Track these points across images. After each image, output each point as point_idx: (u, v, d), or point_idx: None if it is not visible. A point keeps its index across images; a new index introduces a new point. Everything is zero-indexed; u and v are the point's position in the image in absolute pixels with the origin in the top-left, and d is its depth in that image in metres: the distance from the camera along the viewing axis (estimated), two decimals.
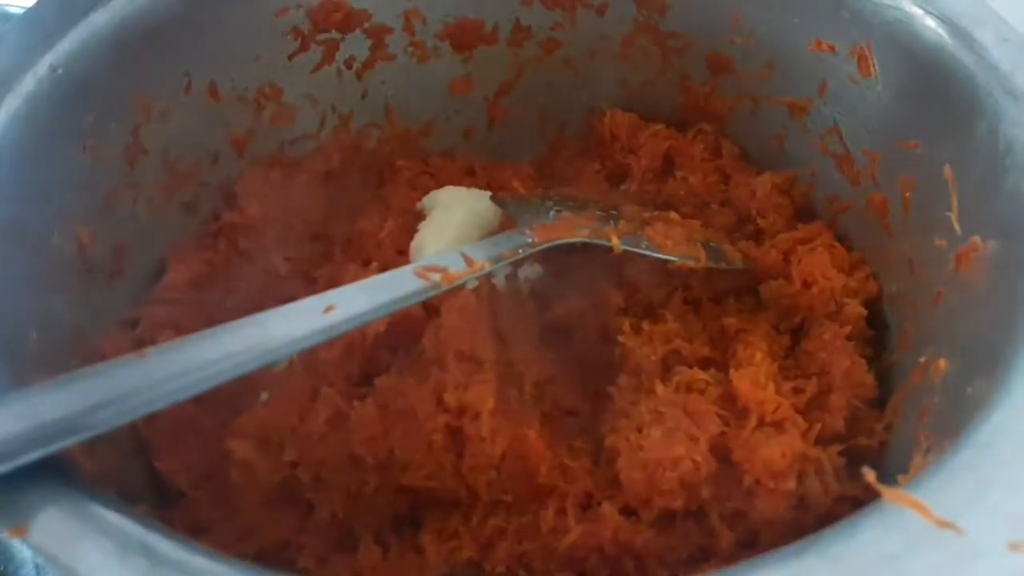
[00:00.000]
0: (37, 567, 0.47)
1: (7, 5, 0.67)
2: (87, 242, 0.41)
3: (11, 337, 0.35)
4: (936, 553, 0.25)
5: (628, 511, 0.38)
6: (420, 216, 0.50)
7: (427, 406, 0.38)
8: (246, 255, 0.49)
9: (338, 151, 0.54)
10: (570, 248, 0.45)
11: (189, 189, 0.49)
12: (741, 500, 0.38)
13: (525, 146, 0.58)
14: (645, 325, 0.45)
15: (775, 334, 0.46)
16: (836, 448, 0.39)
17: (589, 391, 0.44)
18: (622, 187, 0.55)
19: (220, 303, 0.47)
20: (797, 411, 0.40)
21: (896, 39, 0.44)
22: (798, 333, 0.46)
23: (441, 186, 0.52)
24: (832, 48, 0.47)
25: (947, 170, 0.39)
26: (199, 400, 0.33)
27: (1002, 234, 0.36)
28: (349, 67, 0.53)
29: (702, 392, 0.41)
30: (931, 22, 0.42)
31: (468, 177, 0.55)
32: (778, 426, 0.39)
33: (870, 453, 0.40)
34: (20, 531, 0.26)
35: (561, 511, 0.38)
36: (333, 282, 0.44)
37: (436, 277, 0.39)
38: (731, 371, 0.41)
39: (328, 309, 0.35)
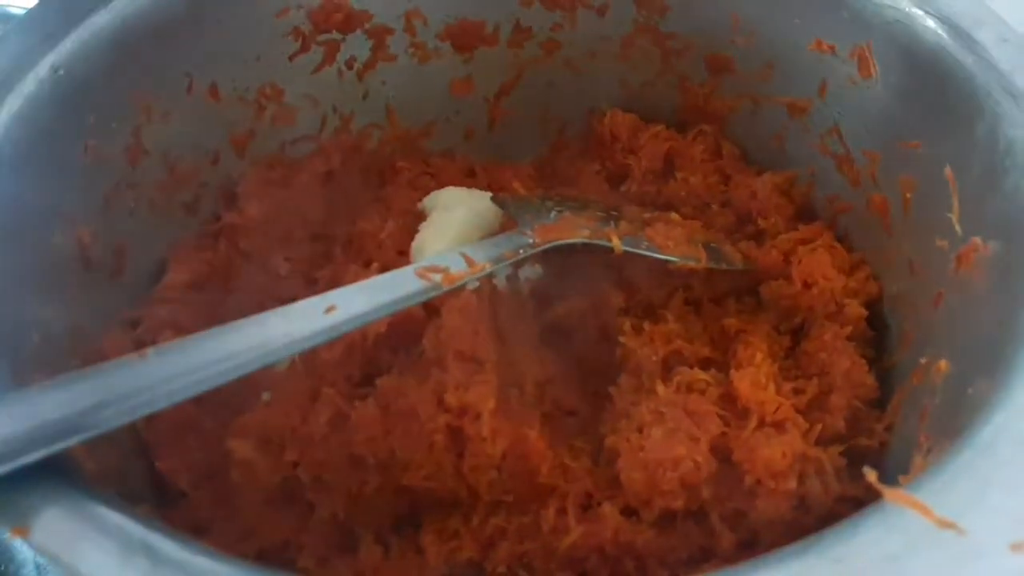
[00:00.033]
0: (38, 567, 0.47)
1: (8, 5, 0.67)
2: (88, 242, 0.41)
3: (12, 337, 0.35)
4: (937, 553, 0.25)
5: (629, 511, 0.38)
6: (421, 217, 0.50)
7: (428, 406, 0.38)
8: (247, 255, 0.49)
9: (339, 152, 0.54)
10: (571, 249, 0.45)
11: (190, 189, 0.49)
12: (742, 500, 0.38)
13: (526, 147, 0.58)
14: (646, 325, 0.45)
15: (776, 335, 0.46)
16: (837, 448, 0.39)
17: (589, 391, 0.44)
18: (622, 188, 0.55)
19: (221, 303, 0.47)
20: (798, 411, 0.40)
21: (896, 39, 0.44)
22: (798, 334, 0.46)
23: (442, 187, 0.52)
24: (832, 48, 0.47)
25: (948, 171, 0.40)
26: (200, 400, 0.33)
27: (1003, 235, 0.36)
28: (350, 68, 0.53)
29: (703, 392, 0.41)
30: (931, 22, 0.42)
31: (469, 178, 0.55)
32: (779, 426, 0.39)
33: (871, 453, 0.40)
34: (22, 531, 0.26)
35: (562, 511, 0.38)
36: (334, 283, 0.44)
37: (437, 278, 0.39)
38: (732, 371, 0.41)
39: (329, 310, 0.35)
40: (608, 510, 0.38)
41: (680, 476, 0.37)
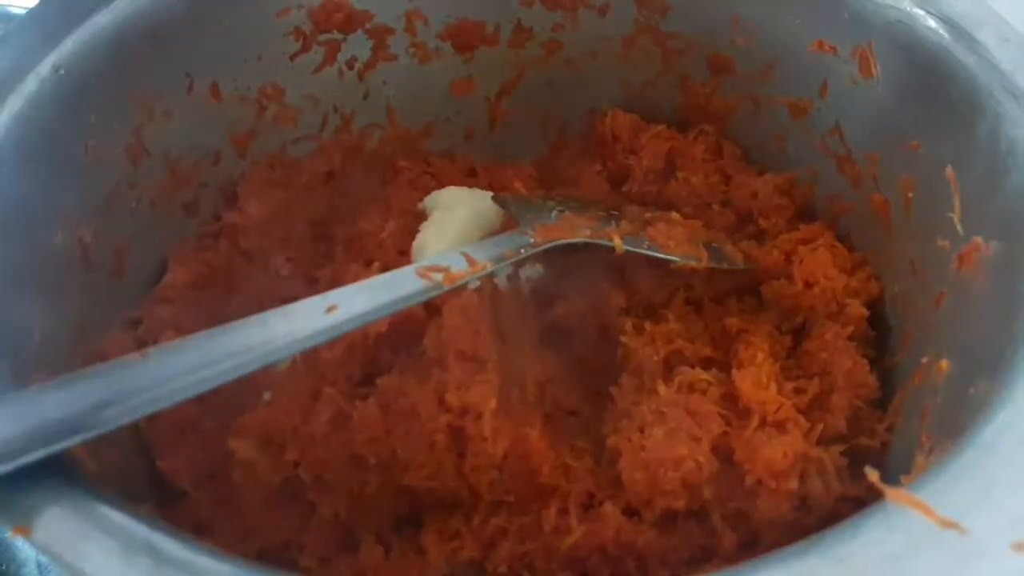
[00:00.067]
0: (40, 566, 0.47)
1: (9, 5, 0.67)
2: (89, 242, 0.41)
3: (14, 337, 0.35)
4: (940, 553, 0.25)
5: (630, 511, 0.38)
6: (422, 216, 0.50)
7: (429, 406, 0.38)
8: (247, 255, 0.49)
9: (339, 151, 0.54)
10: (572, 248, 0.45)
11: (190, 189, 0.49)
12: (743, 500, 0.38)
13: (526, 146, 0.58)
14: (647, 325, 0.45)
15: (777, 334, 0.46)
16: (838, 448, 0.39)
17: (591, 391, 0.44)
18: (623, 187, 0.55)
19: (222, 303, 0.47)
20: (799, 411, 0.40)
21: (898, 40, 0.44)
22: (800, 333, 0.46)
23: (443, 186, 0.52)
24: (833, 49, 0.47)
25: (949, 171, 0.39)
26: (201, 400, 0.33)
27: (1004, 234, 0.36)
28: (351, 67, 0.53)
29: (704, 392, 0.41)
30: (932, 23, 0.42)
31: (469, 177, 0.55)
32: (780, 426, 0.39)
33: (872, 453, 0.40)
34: (24, 531, 0.26)
35: (563, 511, 0.38)
36: (335, 282, 0.44)
37: (438, 277, 0.39)
38: (733, 371, 0.41)
39: (330, 309, 0.35)
40: (609, 510, 0.38)
41: (681, 476, 0.37)
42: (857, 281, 0.46)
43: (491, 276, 0.44)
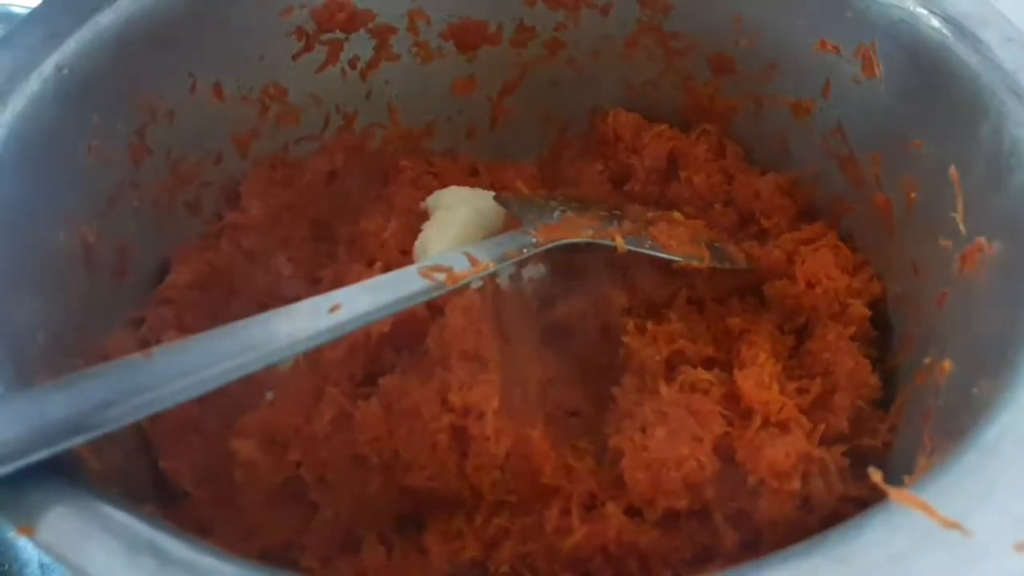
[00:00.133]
0: (42, 567, 0.47)
1: (12, 5, 0.67)
2: (91, 242, 0.41)
3: (17, 337, 0.35)
4: (942, 554, 0.25)
5: (632, 511, 0.38)
6: (424, 216, 0.50)
7: (431, 406, 0.38)
8: (249, 255, 0.49)
9: (342, 151, 0.54)
10: (574, 248, 0.45)
11: (192, 189, 0.49)
12: (745, 500, 0.38)
13: (528, 146, 0.58)
14: (649, 325, 0.45)
15: (779, 334, 0.46)
16: (840, 448, 0.39)
17: (592, 391, 0.44)
18: (625, 187, 0.55)
19: (224, 303, 0.47)
20: (801, 411, 0.40)
21: (900, 39, 0.44)
22: (802, 333, 0.46)
23: (445, 186, 0.52)
24: (836, 49, 0.47)
25: (952, 170, 0.39)
26: (203, 400, 0.33)
27: (1007, 235, 0.36)
28: (353, 67, 0.53)
29: (706, 392, 0.41)
30: (936, 22, 0.42)
31: (471, 177, 0.55)
32: (782, 426, 0.39)
33: (874, 454, 0.40)
34: (28, 530, 0.26)
35: (565, 511, 0.38)
36: (337, 282, 0.44)
37: (440, 277, 0.39)
38: (735, 371, 0.41)
39: (332, 309, 0.35)
40: (611, 510, 0.38)
41: (683, 476, 0.37)
42: (859, 281, 0.46)
43: (493, 276, 0.44)
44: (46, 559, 0.47)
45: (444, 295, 0.39)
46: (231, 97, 0.49)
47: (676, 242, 0.47)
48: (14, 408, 0.29)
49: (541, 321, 0.46)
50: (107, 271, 0.43)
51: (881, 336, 0.45)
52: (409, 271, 0.39)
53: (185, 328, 0.44)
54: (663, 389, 0.41)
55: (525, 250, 0.43)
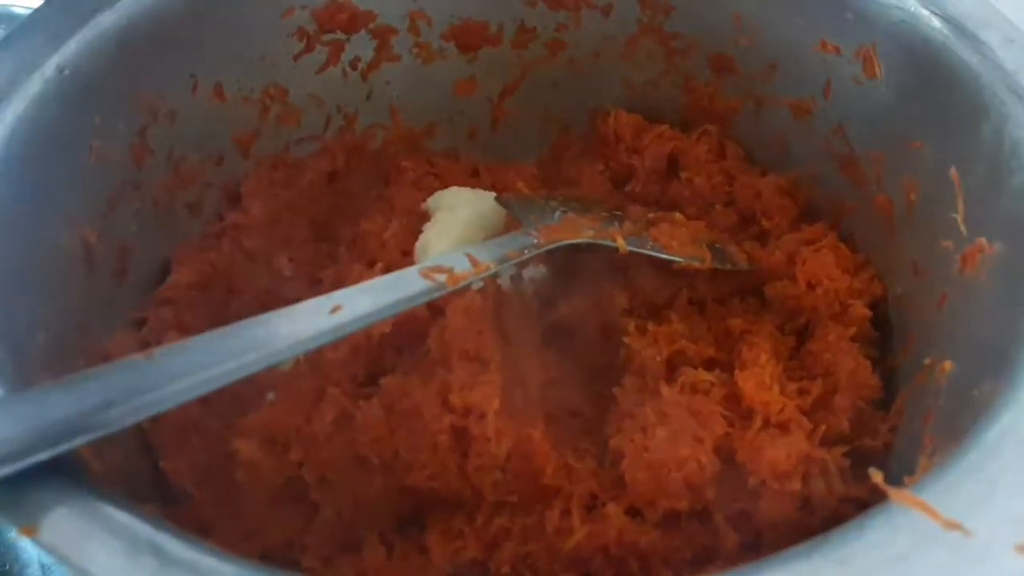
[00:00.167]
0: (43, 567, 0.47)
1: (13, 6, 0.67)
2: (92, 242, 0.41)
3: (18, 338, 0.35)
4: (943, 554, 0.25)
5: (633, 512, 0.38)
6: (425, 217, 0.50)
7: (432, 406, 0.38)
8: (250, 256, 0.49)
9: (343, 152, 0.54)
10: (575, 249, 0.45)
11: (194, 189, 0.49)
12: (746, 501, 0.38)
13: (529, 147, 0.58)
14: (650, 326, 0.45)
15: (780, 335, 0.46)
16: (841, 449, 0.39)
17: (593, 392, 0.44)
18: (626, 188, 0.55)
19: (225, 304, 0.47)
20: (802, 412, 0.40)
21: (901, 40, 0.44)
22: (803, 334, 0.46)
23: (445, 187, 0.52)
24: (837, 49, 0.47)
25: (952, 171, 0.39)
26: (205, 400, 0.33)
27: (1008, 235, 0.36)
28: (354, 68, 0.53)
29: (707, 393, 0.41)
30: (936, 23, 0.42)
31: (472, 178, 0.55)
32: (783, 427, 0.39)
33: (875, 454, 0.40)
34: (30, 531, 0.26)
35: (566, 512, 0.38)
36: (338, 283, 0.44)
37: (441, 278, 0.39)
38: (736, 372, 0.41)
39: (334, 310, 0.35)
40: (612, 511, 0.38)
41: (684, 477, 0.37)
42: (860, 282, 0.46)
43: (494, 277, 0.44)
44: (47, 559, 0.47)
45: (445, 296, 0.39)
46: (232, 98, 0.49)
47: (677, 243, 0.47)
48: (15, 409, 0.29)
49: (542, 322, 0.46)
50: (108, 271, 0.43)
51: (882, 336, 0.45)
52: (410, 272, 0.39)
53: (186, 329, 0.44)
54: (664, 390, 0.41)
55: (526, 251, 0.43)
